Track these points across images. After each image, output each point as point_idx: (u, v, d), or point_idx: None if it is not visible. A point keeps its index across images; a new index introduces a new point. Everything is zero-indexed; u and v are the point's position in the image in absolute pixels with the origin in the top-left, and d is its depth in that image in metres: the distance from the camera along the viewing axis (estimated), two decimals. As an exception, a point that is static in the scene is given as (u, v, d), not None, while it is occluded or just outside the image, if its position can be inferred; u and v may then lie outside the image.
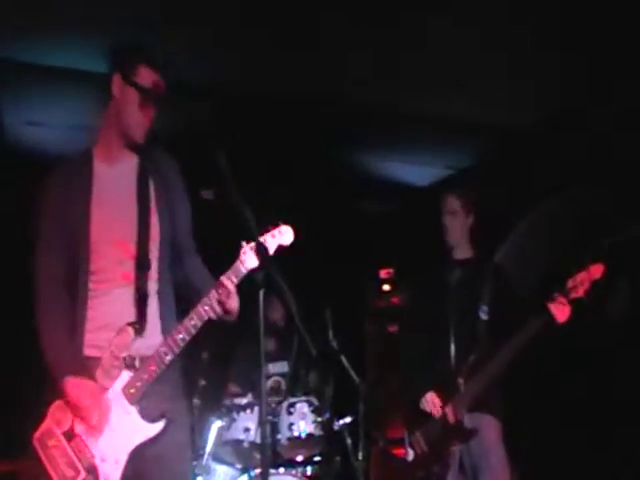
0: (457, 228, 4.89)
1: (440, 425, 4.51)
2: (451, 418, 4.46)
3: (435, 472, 4.52)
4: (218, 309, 3.16)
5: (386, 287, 7.90)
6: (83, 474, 3.11)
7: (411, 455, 4.65)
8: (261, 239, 3.16)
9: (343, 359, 5.42)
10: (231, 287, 3.15)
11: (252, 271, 3.13)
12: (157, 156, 3.42)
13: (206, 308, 3.15)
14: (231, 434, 5.38)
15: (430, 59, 5.42)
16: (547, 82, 5.66)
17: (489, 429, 4.54)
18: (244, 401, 5.45)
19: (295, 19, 5.00)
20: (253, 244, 3.15)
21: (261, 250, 3.05)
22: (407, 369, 4.92)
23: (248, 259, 3.15)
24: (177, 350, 3.16)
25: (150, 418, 3.16)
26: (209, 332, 3.28)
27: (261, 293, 2.92)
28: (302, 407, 5.44)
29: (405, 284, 5.43)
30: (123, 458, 3.12)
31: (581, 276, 4.27)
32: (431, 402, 4.58)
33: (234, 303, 3.19)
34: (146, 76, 3.26)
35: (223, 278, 3.16)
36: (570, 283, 4.29)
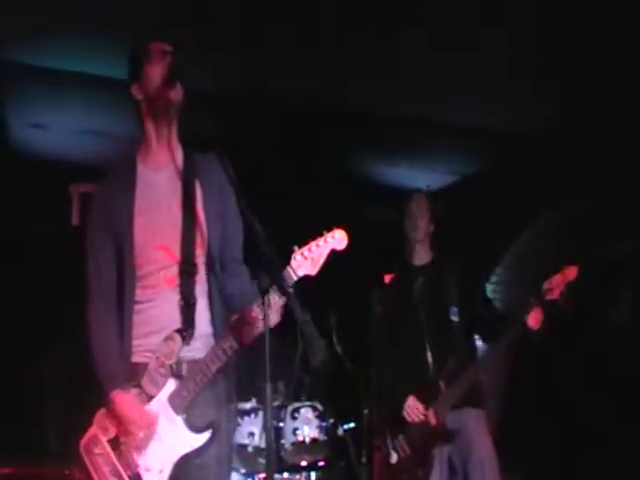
0: (423, 227, 4.95)
1: (422, 428, 4.53)
2: (433, 421, 4.49)
3: (418, 475, 4.53)
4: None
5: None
6: None
7: (394, 458, 4.66)
8: (313, 243, 3.11)
9: (347, 364, 5.42)
10: (280, 302, 3.04)
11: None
12: (203, 159, 3.34)
13: (255, 322, 3.07)
14: (235, 439, 5.37)
15: (434, 64, 5.42)
16: (550, 87, 5.66)
17: (473, 422, 4.59)
18: (248, 406, 5.45)
19: (302, 23, 5.00)
20: (304, 250, 3.08)
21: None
22: (385, 377, 4.84)
23: (299, 267, 3.07)
24: (225, 359, 3.11)
25: (196, 428, 3.13)
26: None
27: (266, 298, 2.88)
28: (306, 412, 5.44)
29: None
30: (168, 468, 3.11)
31: (556, 278, 4.32)
32: (413, 408, 4.58)
33: (276, 318, 3.08)
34: (150, 47, 3.26)
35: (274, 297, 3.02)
36: (545, 285, 4.34)
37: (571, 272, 4.31)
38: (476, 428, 4.58)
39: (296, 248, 3.08)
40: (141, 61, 3.26)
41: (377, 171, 7.37)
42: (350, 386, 5.39)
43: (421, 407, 4.56)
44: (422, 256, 4.99)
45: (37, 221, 6.50)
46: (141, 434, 3.10)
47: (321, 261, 3.10)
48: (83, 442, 3.21)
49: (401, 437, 4.63)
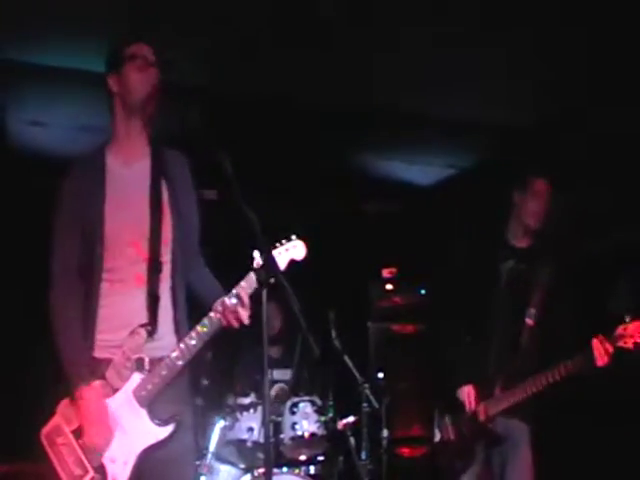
0: (540, 212, 4.61)
1: (470, 419, 4.46)
2: (482, 416, 4.40)
3: (458, 464, 4.49)
4: (233, 321, 3.17)
5: (389, 286, 7.90)
6: (91, 473, 3.11)
7: (437, 437, 4.62)
8: (275, 251, 3.18)
9: (346, 359, 5.44)
10: (246, 299, 3.15)
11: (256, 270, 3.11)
12: (170, 155, 3.43)
13: (219, 317, 3.16)
14: (234, 434, 5.39)
15: (431, 59, 5.42)
16: (548, 81, 5.67)
17: (518, 433, 4.49)
18: (247, 401, 5.46)
19: (296, 19, 5.01)
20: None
21: (270, 261, 3.01)
22: (449, 354, 4.68)
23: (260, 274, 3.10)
24: (189, 356, 3.17)
25: (160, 421, 3.17)
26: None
27: (264, 293, 2.91)
28: (305, 407, 5.44)
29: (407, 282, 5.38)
30: (132, 460, 3.13)
31: (632, 327, 4.09)
32: (467, 394, 4.48)
33: (247, 314, 3.17)
34: (136, 48, 3.29)
35: (239, 289, 3.16)
36: (620, 331, 4.11)
37: None
38: (521, 440, 4.48)
39: (257, 254, 3.09)
40: (123, 57, 3.30)
41: (375, 165, 7.37)
42: (349, 380, 5.42)
43: (474, 397, 4.46)
44: (523, 238, 4.67)
45: (36, 218, 6.51)
46: (96, 436, 3.11)
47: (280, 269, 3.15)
48: (45, 432, 3.21)
49: (448, 418, 4.58)
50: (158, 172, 3.35)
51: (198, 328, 3.18)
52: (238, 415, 5.39)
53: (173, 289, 3.30)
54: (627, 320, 4.13)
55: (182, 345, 3.18)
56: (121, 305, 3.23)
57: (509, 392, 4.36)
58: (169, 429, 3.16)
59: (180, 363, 3.17)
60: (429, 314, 4.88)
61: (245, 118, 6.04)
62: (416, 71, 5.58)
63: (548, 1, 4.75)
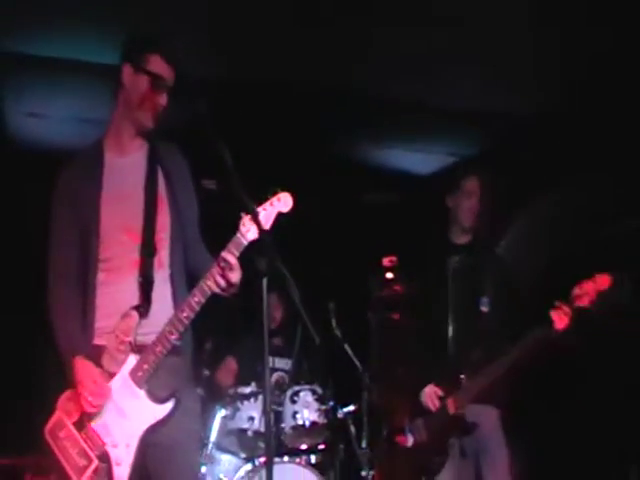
0: (472, 210, 4.76)
1: (441, 416, 4.50)
2: (451, 409, 4.45)
3: (434, 461, 4.52)
4: (222, 282, 3.15)
5: (389, 275, 7.89)
6: (96, 462, 3.13)
7: (411, 441, 4.66)
8: (260, 208, 3.15)
9: (347, 347, 5.44)
10: (233, 260, 3.14)
11: (255, 254, 3.09)
12: (166, 148, 3.47)
13: (208, 283, 3.15)
14: (235, 423, 5.40)
15: (431, 47, 5.41)
16: (549, 70, 5.66)
17: (488, 417, 4.56)
18: (248, 390, 5.46)
19: (294, 7, 5.00)
20: (259, 211, 3.13)
21: (258, 220, 3.04)
22: (412, 359, 4.87)
23: (248, 231, 3.14)
24: (182, 328, 3.17)
25: (159, 399, 3.17)
26: (212, 322, 3.30)
27: (264, 281, 2.92)
28: (306, 395, 5.45)
29: (407, 271, 5.39)
30: (134, 442, 3.14)
31: (587, 285, 4.19)
32: (430, 396, 4.55)
33: (236, 276, 3.17)
34: (156, 64, 3.29)
35: (224, 252, 3.15)
36: (576, 291, 4.21)
37: (603, 280, 4.18)
38: (490, 424, 4.55)
39: (243, 215, 3.13)
40: (144, 65, 3.29)
41: (374, 155, 7.36)
42: (349, 369, 5.42)
43: (438, 394, 4.52)
44: (463, 235, 4.82)
45: (35, 209, 6.51)
46: (96, 402, 3.13)
47: (268, 224, 3.15)
48: (47, 428, 3.24)
49: (419, 421, 4.61)
50: (154, 163, 3.39)
51: (188, 299, 3.18)
52: (239, 404, 5.40)
53: (172, 273, 3.33)
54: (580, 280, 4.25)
55: (174, 318, 3.19)
56: (116, 292, 3.26)
57: (476, 379, 4.40)
58: (168, 407, 3.16)
59: (173, 337, 3.17)
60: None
61: (242, 106, 6.03)
62: (416, 58, 5.57)
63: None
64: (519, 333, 4.33)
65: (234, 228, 3.18)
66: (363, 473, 5.30)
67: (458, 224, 4.81)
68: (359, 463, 5.34)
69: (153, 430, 3.16)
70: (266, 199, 3.21)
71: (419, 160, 7.45)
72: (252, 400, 5.40)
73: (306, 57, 5.59)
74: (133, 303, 3.22)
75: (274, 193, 3.22)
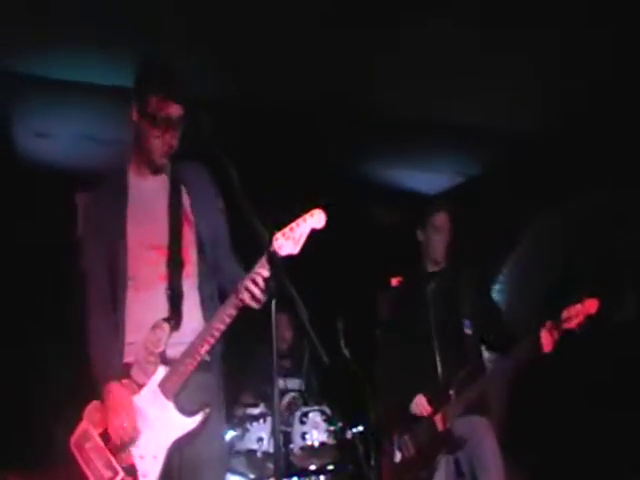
0: (442, 244, 4.92)
1: (428, 431, 4.53)
2: (440, 426, 4.49)
3: (421, 476, 4.53)
4: (248, 299, 3.11)
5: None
6: (121, 474, 3.12)
7: (398, 457, 4.66)
8: (294, 224, 3.13)
9: (355, 367, 5.42)
10: (266, 273, 3.09)
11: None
12: (191, 167, 3.48)
13: (241, 296, 3.12)
14: (244, 444, 5.39)
15: (434, 65, 5.42)
16: (554, 88, 5.66)
17: (480, 429, 4.58)
18: (257, 411, 5.45)
19: (300, 29, 5.01)
20: (285, 231, 3.11)
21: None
22: (393, 376, 4.87)
23: (281, 246, 3.10)
24: (213, 341, 3.16)
25: (187, 412, 3.16)
26: (224, 342, 3.28)
27: (273, 303, 2.90)
28: (315, 416, 5.44)
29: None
30: (162, 454, 3.13)
31: (576, 308, 4.28)
32: (420, 405, 4.59)
33: (258, 291, 3.11)
34: (156, 105, 3.27)
35: (258, 266, 3.11)
36: (565, 314, 4.30)
37: (592, 305, 4.26)
38: (484, 435, 4.57)
39: (276, 232, 3.11)
40: (147, 109, 3.28)
41: (380, 173, 7.36)
42: (358, 389, 5.39)
43: (426, 404, 4.57)
44: (436, 264, 4.96)
45: (44, 230, 6.52)
46: (124, 427, 3.12)
47: (302, 240, 3.12)
48: (74, 438, 3.23)
49: (407, 437, 4.63)
50: (177, 183, 3.41)
51: (220, 312, 3.17)
52: (247, 425, 5.38)
53: (200, 288, 3.34)
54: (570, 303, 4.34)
55: (204, 330, 3.18)
56: (146, 306, 3.26)
57: (464, 394, 4.46)
58: (197, 419, 3.15)
59: (204, 349, 3.16)
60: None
61: (249, 125, 6.04)
62: (421, 77, 5.58)
63: (552, 6, 4.74)
64: (505, 350, 4.51)
65: (241, 249, 3.17)
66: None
67: (429, 257, 4.96)
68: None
69: (181, 442, 3.14)
70: (298, 215, 3.18)
71: (427, 179, 7.45)
72: (261, 421, 5.38)
73: (312, 76, 5.61)
74: (161, 313, 3.22)
75: (307, 210, 3.19)
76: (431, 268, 4.96)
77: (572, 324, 4.27)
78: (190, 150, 3.30)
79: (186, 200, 3.39)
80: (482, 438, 4.54)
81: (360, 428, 5.42)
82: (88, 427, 3.22)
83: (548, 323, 4.32)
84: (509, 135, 6.41)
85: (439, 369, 4.65)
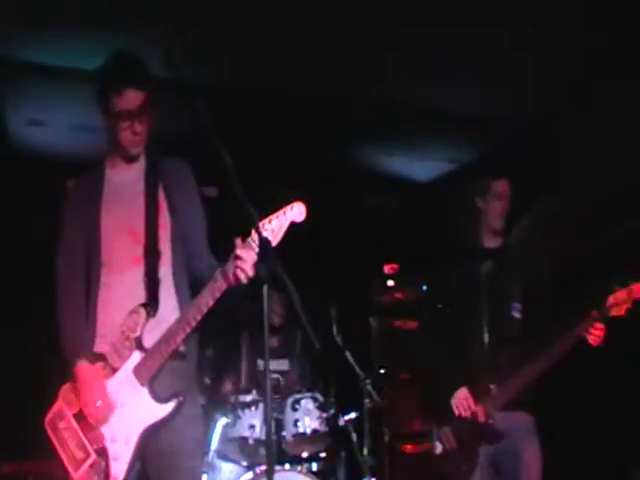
0: (503, 212, 4.68)
1: (470, 424, 4.40)
2: (481, 418, 4.36)
3: (462, 470, 4.42)
4: (240, 274, 3.10)
5: (390, 282, 7.89)
6: (93, 456, 3.15)
7: (439, 449, 4.54)
8: (273, 216, 3.12)
9: (348, 355, 5.43)
10: (245, 255, 3.08)
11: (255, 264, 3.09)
12: (168, 162, 3.53)
13: (218, 284, 3.13)
14: (236, 431, 5.38)
15: (430, 52, 5.42)
16: (547, 73, 5.66)
17: (522, 425, 4.45)
18: (249, 398, 5.45)
19: (296, 14, 5.00)
20: (264, 222, 3.10)
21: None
22: (437, 362, 4.64)
23: (266, 232, 3.09)
24: (189, 329, 3.17)
25: (161, 399, 3.18)
26: (213, 329, 3.29)
27: (265, 288, 2.90)
28: (307, 403, 5.44)
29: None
30: (134, 439, 3.15)
31: (621, 294, 4.12)
32: (462, 400, 4.44)
33: (249, 264, 3.11)
34: (120, 101, 3.31)
35: (239, 249, 3.10)
36: (610, 300, 4.14)
37: (638, 288, 4.11)
38: (526, 431, 4.44)
39: (263, 221, 3.11)
40: (109, 111, 3.35)
41: (375, 160, 7.36)
42: (350, 376, 5.41)
43: (471, 401, 4.41)
44: (495, 239, 4.71)
45: (36, 217, 6.52)
46: (96, 407, 3.15)
47: (280, 233, 3.11)
48: (48, 418, 3.26)
49: (447, 428, 4.50)
50: (153, 175, 3.45)
51: (198, 299, 3.18)
52: (240, 412, 5.38)
53: (175, 274, 3.36)
54: (614, 289, 4.17)
55: (181, 318, 3.20)
56: (119, 290, 3.29)
57: (505, 386, 4.33)
58: (169, 407, 3.16)
59: (180, 337, 3.17)
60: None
61: (244, 111, 6.04)
62: (415, 64, 5.58)
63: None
64: (548, 340, 4.26)
65: (235, 238, 3.17)
66: (364, 480, 5.29)
67: (488, 227, 4.71)
68: (361, 471, 5.33)
69: (153, 429, 3.16)
70: (279, 207, 3.17)
71: (419, 166, 7.45)
72: (253, 408, 5.38)
73: (307, 62, 5.60)
74: (135, 299, 3.25)
75: (288, 202, 3.18)
76: (488, 243, 4.72)
77: (620, 312, 4.11)
78: (181, 136, 3.32)
79: (162, 193, 3.41)
80: (523, 435, 4.41)
81: (352, 415, 5.43)
82: (62, 407, 3.25)
83: (594, 312, 4.16)
84: (502, 122, 6.42)
85: (485, 358, 4.46)
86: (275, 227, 3.11)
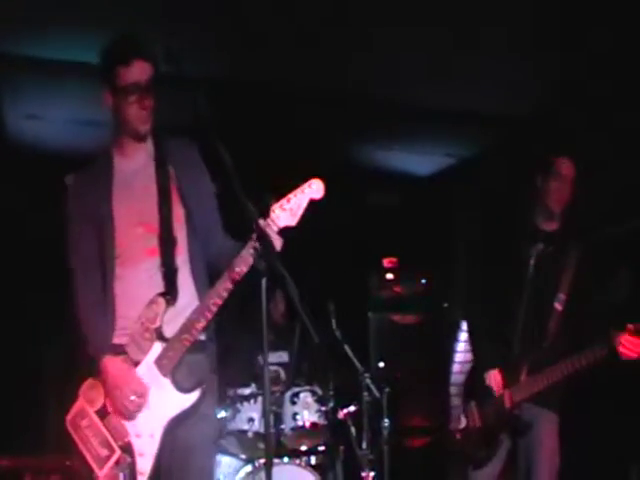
0: (564, 195, 4.42)
1: (496, 405, 4.33)
2: (507, 403, 4.28)
3: (482, 453, 4.39)
4: (277, 244, 3.04)
5: (389, 276, 7.91)
6: (118, 452, 3.09)
7: (463, 423, 4.50)
8: (292, 194, 3.10)
9: (347, 348, 5.43)
10: (273, 233, 3.04)
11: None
12: (175, 143, 3.44)
13: (237, 270, 3.06)
14: (235, 424, 5.38)
15: (429, 49, 5.41)
16: (546, 69, 5.66)
17: (545, 421, 4.37)
18: (247, 391, 5.45)
19: (296, 9, 5.00)
20: (283, 202, 3.07)
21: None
22: (477, 337, 4.56)
23: (278, 218, 3.07)
24: (209, 315, 3.12)
25: (184, 389, 3.13)
26: (215, 321, 3.27)
27: (264, 282, 2.88)
28: (306, 397, 5.43)
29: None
30: (158, 433, 3.10)
31: None
32: (494, 379, 4.34)
33: (278, 243, 3.06)
34: (128, 74, 3.25)
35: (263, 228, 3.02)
36: None
37: None
38: (545, 430, 4.35)
39: (273, 204, 3.08)
40: (116, 85, 3.27)
41: (375, 156, 7.36)
42: (349, 370, 5.41)
43: (500, 383, 4.33)
44: (551, 221, 4.49)
45: (34, 211, 6.52)
46: (131, 400, 3.09)
47: (300, 212, 3.09)
48: (69, 417, 3.19)
49: (473, 403, 4.45)
50: (162, 159, 3.37)
51: (217, 286, 3.12)
52: (238, 406, 5.38)
53: (191, 262, 3.29)
54: None
55: (201, 305, 3.15)
56: (133, 281, 3.23)
57: (535, 379, 4.24)
58: (194, 396, 3.13)
59: (200, 325, 3.12)
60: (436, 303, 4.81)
61: (244, 107, 6.04)
62: (414, 61, 5.57)
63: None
64: (583, 343, 4.13)
65: (234, 233, 3.15)
66: (363, 474, 5.28)
67: (545, 208, 4.47)
68: (359, 464, 5.33)
69: (177, 420, 3.11)
70: (297, 186, 3.13)
71: (418, 161, 7.46)
72: (252, 401, 5.38)
73: (307, 59, 5.60)
74: (153, 289, 3.18)
75: (306, 180, 3.14)
76: (543, 225, 4.48)
77: None
78: (180, 131, 3.30)
79: (173, 177, 3.34)
80: (545, 432, 4.34)
81: (351, 409, 5.42)
82: (84, 405, 3.18)
83: (631, 327, 4.01)
84: (500, 117, 6.42)
85: (518, 344, 4.35)
86: (294, 206, 3.08)
